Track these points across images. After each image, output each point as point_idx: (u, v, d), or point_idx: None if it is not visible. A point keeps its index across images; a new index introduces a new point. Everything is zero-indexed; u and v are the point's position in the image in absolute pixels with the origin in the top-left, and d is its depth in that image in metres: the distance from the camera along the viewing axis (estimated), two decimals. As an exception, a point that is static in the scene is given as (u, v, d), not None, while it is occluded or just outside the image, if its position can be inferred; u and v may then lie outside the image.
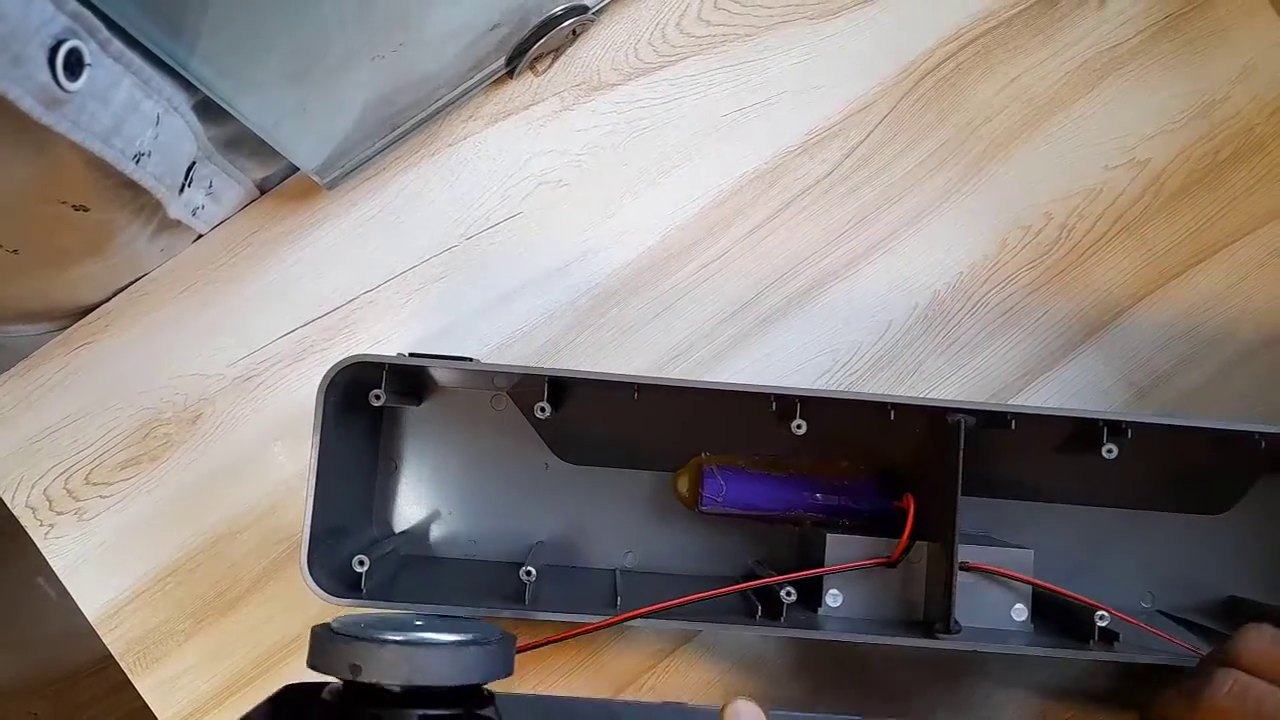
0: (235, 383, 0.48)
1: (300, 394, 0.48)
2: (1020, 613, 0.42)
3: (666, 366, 0.49)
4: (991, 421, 0.40)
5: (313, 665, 0.30)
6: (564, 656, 0.47)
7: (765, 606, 0.41)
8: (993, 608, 0.42)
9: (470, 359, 0.41)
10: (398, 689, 0.29)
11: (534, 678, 0.47)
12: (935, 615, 0.41)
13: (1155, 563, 0.46)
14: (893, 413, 0.40)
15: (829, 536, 0.42)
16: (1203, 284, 0.49)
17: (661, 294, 0.49)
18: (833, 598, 0.42)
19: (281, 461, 0.48)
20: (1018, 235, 0.49)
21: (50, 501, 0.47)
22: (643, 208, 0.49)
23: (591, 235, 0.49)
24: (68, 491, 0.47)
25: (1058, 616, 0.42)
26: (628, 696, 0.47)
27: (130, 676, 0.47)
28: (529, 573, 0.40)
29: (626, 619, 0.39)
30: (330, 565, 0.40)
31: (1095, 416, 0.40)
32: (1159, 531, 0.46)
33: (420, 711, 0.29)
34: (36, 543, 0.47)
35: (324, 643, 0.30)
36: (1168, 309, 0.49)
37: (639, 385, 0.40)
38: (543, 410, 0.40)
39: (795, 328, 0.49)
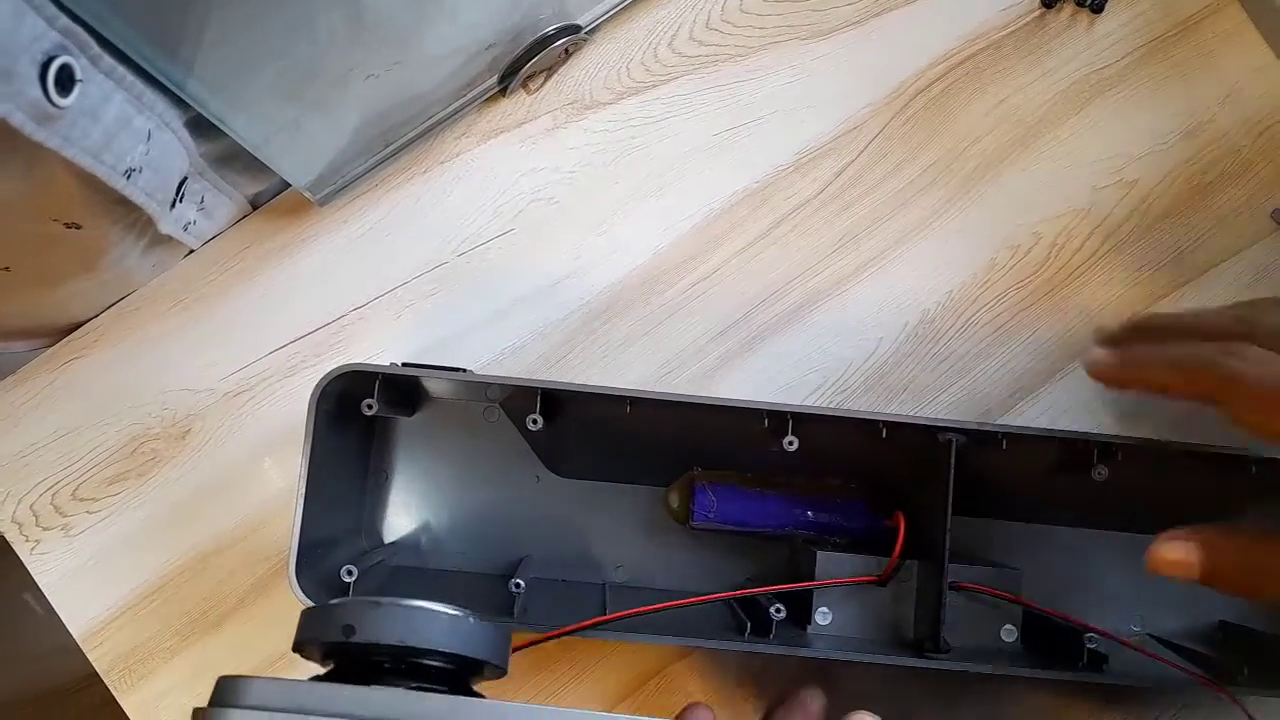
0: (225, 398, 0.48)
1: (290, 410, 0.48)
2: (1010, 633, 0.42)
3: (657, 383, 0.49)
4: (983, 441, 0.40)
5: (305, 635, 0.29)
6: (555, 671, 0.47)
7: (755, 624, 0.41)
8: (982, 627, 0.42)
9: (463, 369, 0.41)
10: (393, 651, 0.27)
11: (525, 694, 0.46)
12: (924, 634, 0.41)
13: (1146, 586, 0.46)
14: (884, 430, 0.40)
15: (819, 554, 0.42)
16: (1191, 304, 0.49)
17: (652, 311, 0.49)
18: (822, 615, 0.42)
19: (271, 478, 0.48)
20: (1007, 254, 0.50)
21: (37, 517, 0.47)
22: (634, 225, 0.49)
23: (583, 252, 0.49)
24: (54, 507, 0.47)
25: (1047, 638, 0.42)
26: (621, 714, 0.46)
27: (115, 694, 0.47)
28: (518, 585, 0.40)
29: (616, 618, 0.39)
30: (318, 575, 0.40)
31: (1086, 438, 0.40)
32: None
33: (415, 684, 0.27)
34: (23, 559, 0.47)
35: (320, 609, 0.28)
36: (1156, 328, 0.49)
37: (631, 398, 0.40)
38: (534, 422, 0.40)
39: (786, 345, 0.49)
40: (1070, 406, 0.49)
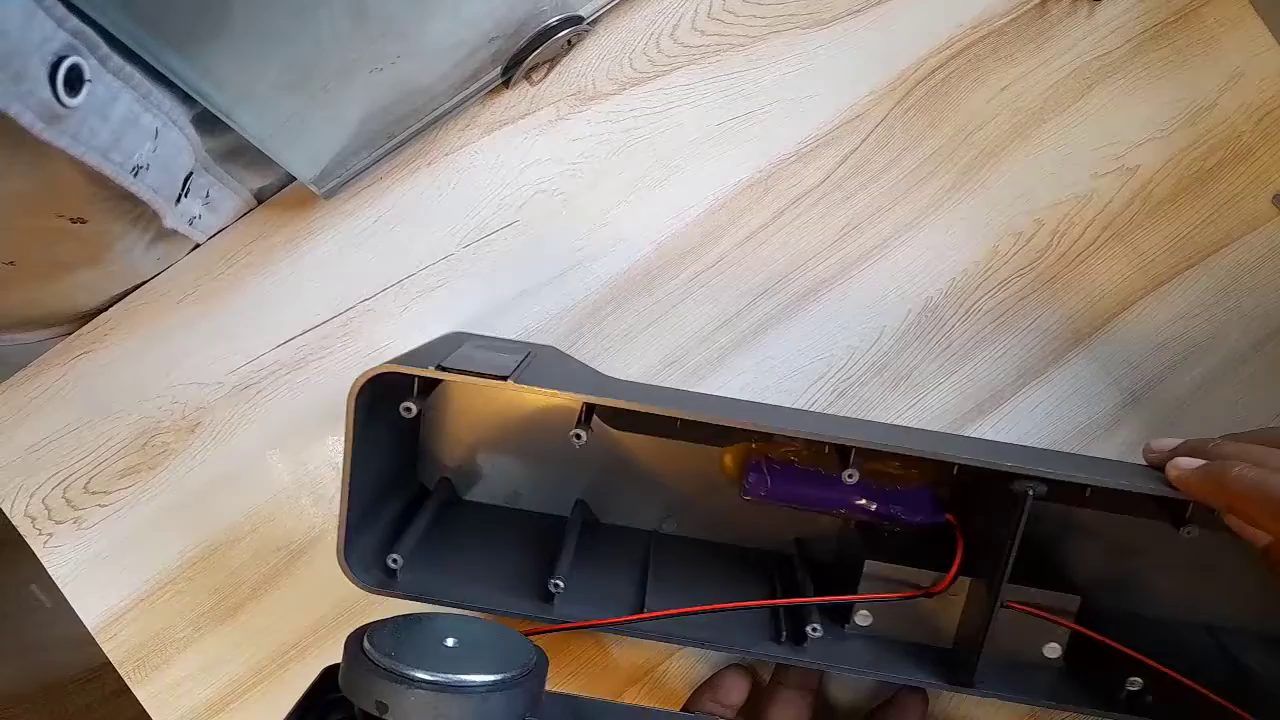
0: (233, 391, 0.48)
1: (299, 402, 0.48)
2: (1054, 650, 0.41)
3: (663, 372, 0.49)
4: (1062, 494, 0.37)
5: (345, 687, 0.30)
6: (575, 650, 0.47)
7: (790, 626, 0.41)
8: (1027, 639, 0.40)
9: (506, 378, 0.37)
10: None
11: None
12: (964, 648, 0.40)
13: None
14: (955, 469, 0.38)
15: (867, 563, 0.41)
16: (1192, 290, 0.50)
17: (657, 301, 0.49)
18: (862, 617, 0.42)
19: (280, 469, 0.48)
20: (1009, 242, 0.50)
21: (49, 510, 0.48)
22: (638, 216, 0.50)
23: (587, 243, 0.50)
24: (66, 500, 0.48)
25: (1094, 663, 0.41)
26: (640, 694, 0.47)
27: (129, 684, 0.47)
28: (557, 585, 0.40)
29: (651, 617, 0.39)
30: (368, 547, 0.40)
31: (1178, 498, 0.38)
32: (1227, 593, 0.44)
33: None
34: (35, 552, 0.48)
35: (355, 666, 0.29)
36: (1158, 315, 0.49)
37: (681, 419, 0.37)
38: (578, 438, 0.38)
39: (790, 334, 0.49)
40: (1072, 393, 0.49)
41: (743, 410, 0.40)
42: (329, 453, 0.48)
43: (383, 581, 0.40)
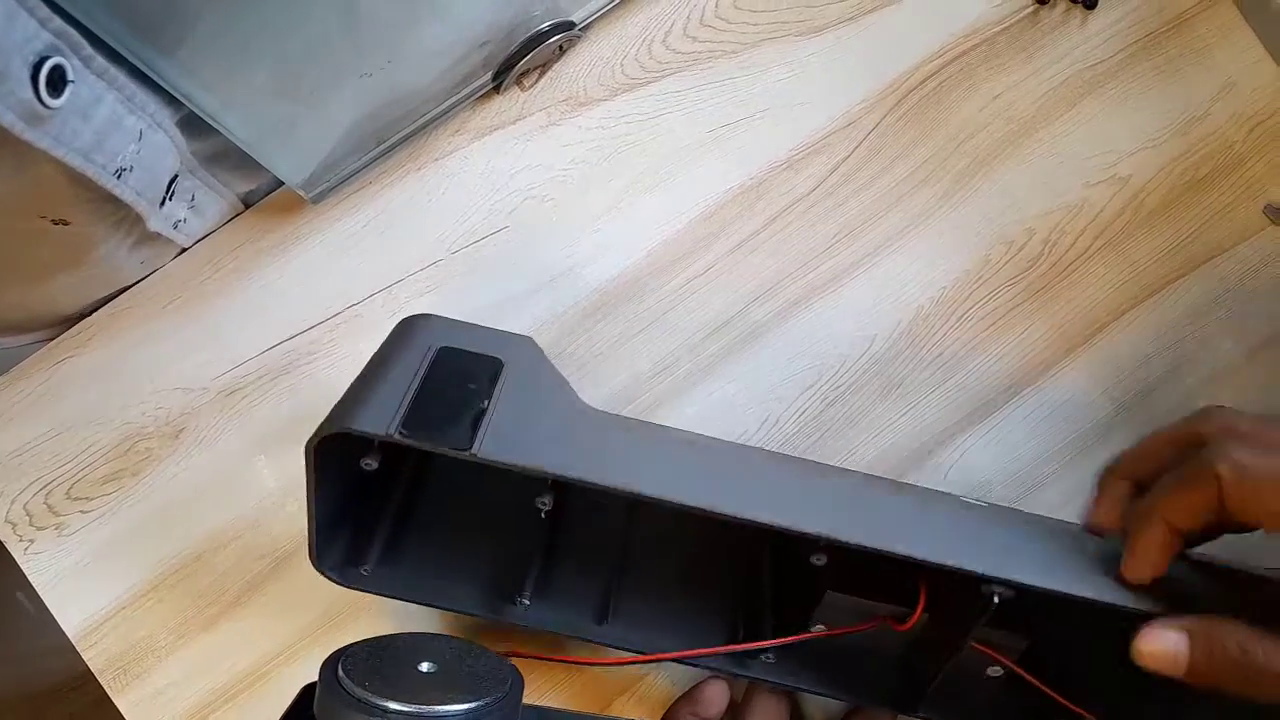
0: (218, 397, 0.48)
1: (285, 408, 0.48)
2: (996, 671, 0.40)
3: (652, 380, 0.49)
4: (1038, 603, 0.35)
5: (319, 716, 0.30)
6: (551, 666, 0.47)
7: (748, 630, 0.41)
8: (971, 661, 0.40)
9: (467, 450, 0.35)
10: None
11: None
12: (916, 675, 0.40)
13: None
14: (923, 568, 0.36)
15: (827, 594, 0.40)
16: (1184, 299, 0.50)
17: (647, 308, 0.49)
18: (819, 630, 0.42)
19: (264, 476, 0.48)
20: (1001, 251, 0.50)
21: (30, 516, 0.47)
22: (628, 222, 0.49)
23: (577, 249, 0.49)
24: (48, 506, 0.47)
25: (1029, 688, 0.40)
26: (628, 705, 0.47)
27: (110, 693, 0.47)
28: (524, 603, 0.40)
29: (627, 662, 0.41)
30: (340, 552, 0.40)
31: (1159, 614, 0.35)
32: None
33: None
34: (16, 559, 0.47)
35: (330, 697, 0.29)
36: (1149, 324, 0.49)
37: (640, 498, 0.35)
38: (543, 504, 0.37)
39: (781, 342, 0.49)
40: (1063, 402, 0.49)
41: (705, 479, 0.39)
42: (315, 459, 0.48)
43: (358, 580, 0.40)
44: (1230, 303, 0.50)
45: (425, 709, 0.29)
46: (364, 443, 0.36)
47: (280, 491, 0.47)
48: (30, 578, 0.47)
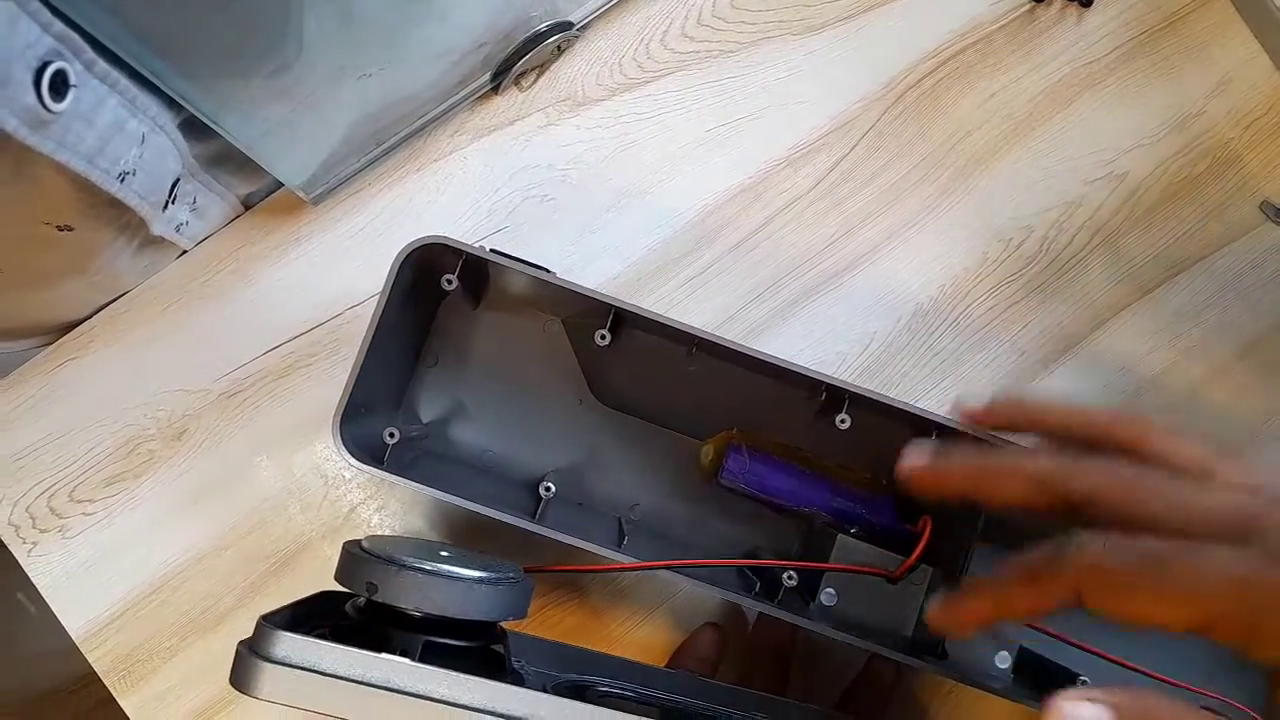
0: (220, 399, 0.48)
1: (287, 409, 0.48)
2: (1004, 660, 0.41)
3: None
4: None
5: (339, 579, 0.31)
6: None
7: (764, 586, 0.41)
8: (977, 650, 0.41)
9: (547, 269, 0.40)
10: (414, 613, 0.30)
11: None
12: (924, 637, 0.41)
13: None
14: (935, 432, 0.40)
15: (839, 537, 0.42)
16: (1181, 296, 0.50)
17: (647, 307, 0.49)
18: (828, 596, 0.42)
19: (266, 478, 0.48)
20: (999, 248, 0.50)
21: (34, 519, 0.47)
22: (627, 222, 0.50)
23: (577, 249, 0.49)
24: (51, 509, 0.47)
25: (1038, 677, 0.42)
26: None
27: (114, 695, 0.47)
28: (548, 488, 0.41)
29: (647, 567, 0.39)
30: (358, 435, 0.40)
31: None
32: None
33: (428, 638, 0.30)
34: (20, 561, 0.47)
35: (351, 558, 0.31)
36: (1147, 321, 0.50)
37: (697, 339, 0.40)
38: (603, 337, 0.41)
39: (780, 340, 0.49)
40: (1064, 396, 0.49)
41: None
42: (317, 460, 0.48)
43: (369, 460, 0.39)
44: (1227, 299, 0.50)
45: (439, 567, 0.30)
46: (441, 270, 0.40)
47: (282, 493, 0.48)
48: (34, 580, 0.47)
